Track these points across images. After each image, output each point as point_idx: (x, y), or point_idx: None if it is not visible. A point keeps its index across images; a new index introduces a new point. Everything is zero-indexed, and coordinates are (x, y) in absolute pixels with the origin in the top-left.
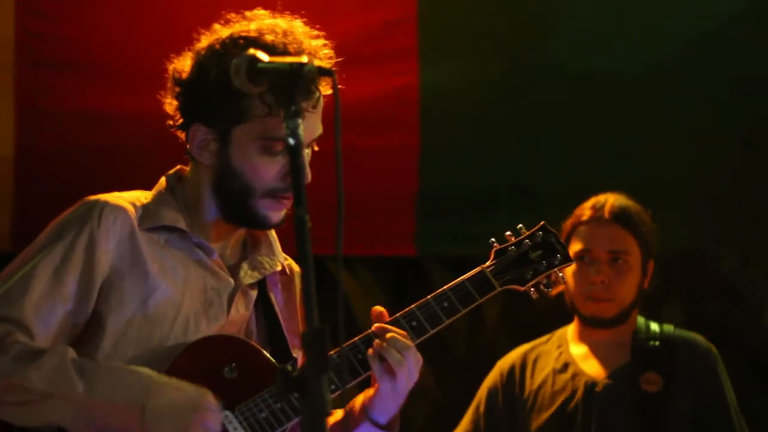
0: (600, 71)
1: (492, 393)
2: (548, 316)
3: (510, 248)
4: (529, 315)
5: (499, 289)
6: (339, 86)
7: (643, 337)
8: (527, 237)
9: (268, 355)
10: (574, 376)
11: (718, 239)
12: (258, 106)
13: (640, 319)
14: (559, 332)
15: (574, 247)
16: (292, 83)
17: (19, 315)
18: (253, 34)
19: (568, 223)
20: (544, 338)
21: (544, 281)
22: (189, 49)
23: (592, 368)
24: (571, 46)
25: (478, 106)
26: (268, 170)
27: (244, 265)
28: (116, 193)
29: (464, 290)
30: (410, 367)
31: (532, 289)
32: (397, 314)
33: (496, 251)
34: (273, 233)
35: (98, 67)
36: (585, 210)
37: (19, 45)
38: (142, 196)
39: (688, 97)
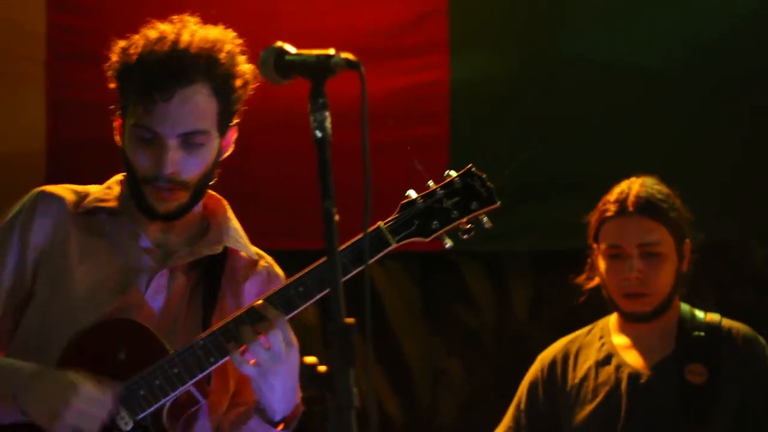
0: (626, 62)
1: (533, 388)
2: (579, 309)
3: (418, 200)
4: (560, 307)
5: (395, 244)
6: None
7: (688, 326)
8: (442, 186)
9: (158, 337)
10: (618, 367)
11: (747, 232)
12: (130, 95)
13: (685, 307)
14: (600, 323)
15: (604, 245)
16: (320, 75)
17: None
18: (135, 47)
19: (593, 219)
20: (585, 329)
21: (463, 228)
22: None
23: (636, 359)
24: (600, 36)
25: (508, 99)
26: (141, 157)
27: (184, 249)
28: (66, 185)
29: (357, 249)
30: (275, 347)
31: (447, 238)
32: (288, 280)
33: (402, 204)
34: (233, 222)
35: None
36: (609, 204)
37: (50, 39)
38: (92, 188)
39: (717, 87)
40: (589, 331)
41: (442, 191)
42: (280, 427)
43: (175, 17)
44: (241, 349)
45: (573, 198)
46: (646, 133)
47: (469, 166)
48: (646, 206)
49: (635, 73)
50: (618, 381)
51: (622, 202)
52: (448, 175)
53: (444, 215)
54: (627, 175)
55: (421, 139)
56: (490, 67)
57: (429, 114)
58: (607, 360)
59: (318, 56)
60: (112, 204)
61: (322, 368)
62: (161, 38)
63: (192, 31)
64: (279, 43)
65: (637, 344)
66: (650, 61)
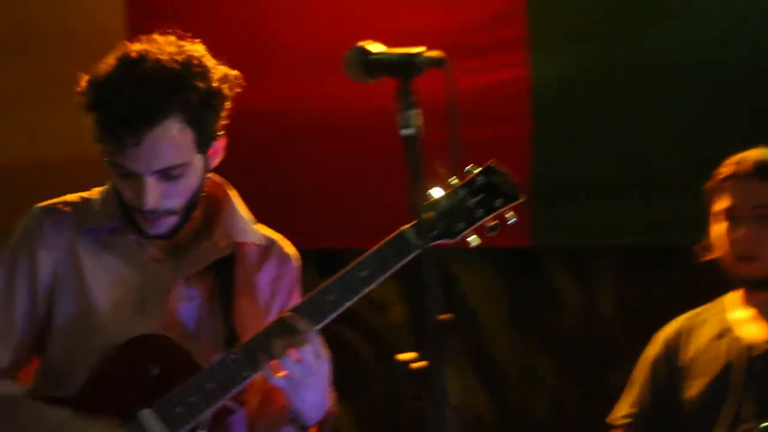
0: (709, 60)
1: (655, 365)
2: (664, 306)
3: (442, 200)
4: (645, 305)
5: (421, 248)
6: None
7: None
8: (464, 184)
9: (189, 352)
10: (733, 342)
11: None
12: (100, 132)
13: None
14: (722, 299)
15: (718, 206)
16: (406, 73)
17: None
18: (99, 83)
19: (711, 182)
20: (706, 306)
21: (488, 226)
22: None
23: (753, 333)
24: (682, 34)
25: (590, 95)
26: (124, 189)
27: (193, 253)
28: (65, 197)
29: (382, 255)
30: (306, 360)
31: (473, 237)
32: (314, 290)
33: (425, 206)
34: (239, 210)
35: None
36: (728, 165)
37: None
38: (96, 193)
39: None
40: (709, 308)
41: (465, 190)
42: (312, 430)
43: (143, 37)
44: (272, 362)
45: (660, 194)
46: (738, 128)
47: (490, 161)
48: (763, 169)
49: (723, 69)
50: (733, 355)
51: (741, 164)
52: (470, 172)
53: (469, 215)
54: (712, 168)
55: (504, 137)
56: (572, 64)
57: (510, 112)
58: (722, 334)
59: (404, 55)
60: (112, 223)
61: (418, 365)
62: (125, 71)
63: (158, 57)
64: (362, 43)
65: (755, 320)
66: (739, 58)
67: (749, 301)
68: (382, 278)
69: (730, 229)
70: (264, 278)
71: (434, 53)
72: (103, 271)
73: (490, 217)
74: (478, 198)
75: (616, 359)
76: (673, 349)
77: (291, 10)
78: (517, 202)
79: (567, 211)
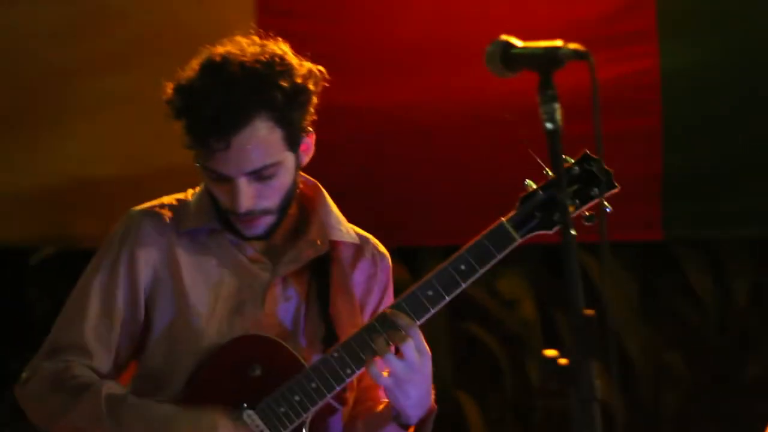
0: None
1: None
2: None
3: (538, 192)
4: None
5: (519, 240)
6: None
7: None
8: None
9: (292, 351)
10: None
11: None
12: (189, 137)
13: None
14: None
15: None
16: (547, 67)
17: (79, 340)
18: (185, 89)
19: None
20: None
21: (585, 215)
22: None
23: None
24: None
25: (720, 86)
26: (218, 193)
27: (289, 253)
28: (161, 199)
29: (481, 248)
30: (409, 357)
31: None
32: (413, 286)
33: (521, 198)
34: (333, 209)
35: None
36: None
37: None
38: (190, 193)
39: None
40: None
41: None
42: (411, 429)
43: (225, 40)
44: (375, 359)
45: None
46: None
47: (585, 151)
48: None
49: None
50: None
51: None
52: (565, 162)
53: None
54: None
55: (634, 130)
56: (702, 55)
57: (641, 104)
58: None
59: (546, 48)
60: (209, 224)
61: (563, 361)
62: (209, 75)
63: (242, 59)
64: (504, 37)
65: None
66: None
67: None
68: (481, 272)
69: None
70: (358, 276)
71: (576, 46)
72: (201, 273)
73: (587, 206)
74: (574, 188)
75: (753, 351)
76: None
77: (416, 6)
78: (613, 191)
79: (699, 204)
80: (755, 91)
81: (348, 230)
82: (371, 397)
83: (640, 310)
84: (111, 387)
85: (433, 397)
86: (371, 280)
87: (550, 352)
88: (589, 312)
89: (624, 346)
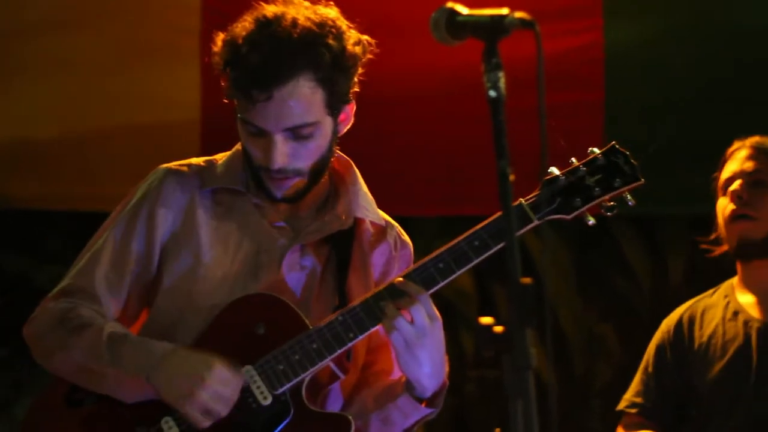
0: None
1: (660, 351)
2: (733, 273)
3: (561, 177)
4: (716, 273)
5: (536, 221)
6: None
7: None
8: (585, 163)
9: (298, 311)
10: (746, 323)
11: None
12: (233, 89)
13: None
14: (724, 284)
15: (719, 184)
16: (493, 35)
17: (89, 286)
18: (234, 39)
19: (718, 169)
20: (708, 292)
21: (606, 206)
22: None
23: (763, 313)
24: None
25: (664, 62)
26: (252, 148)
27: (313, 224)
28: (190, 160)
29: (497, 226)
30: (419, 321)
31: (589, 216)
32: (426, 258)
33: (544, 181)
34: (362, 188)
35: None
36: (731, 147)
37: (204, 9)
38: (220, 156)
39: None
40: (713, 292)
41: (584, 168)
42: (424, 404)
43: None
44: (379, 326)
45: None
46: None
47: (613, 143)
48: (762, 145)
49: None
50: (747, 336)
51: (742, 142)
52: (592, 152)
53: (586, 192)
54: None
55: (576, 103)
56: (646, 31)
57: (584, 78)
58: (734, 317)
59: (491, 16)
60: (236, 185)
61: (499, 328)
62: (260, 29)
63: (294, 16)
64: (450, 4)
65: (763, 300)
66: None
67: (749, 283)
68: (494, 249)
69: (727, 198)
70: (377, 258)
71: (522, 14)
72: (220, 234)
73: (608, 196)
74: (597, 177)
75: None
76: (682, 335)
77: None
78: (636, 184)
79: None
80: (697, 71)
81: (375, 211)
82: (381, 380)
83: (575, 283)
84: (114, 326)
85: (447, 370)
86: (389, 264)
87: (486, 320)
88: (526, 280)
89: (558, 318)
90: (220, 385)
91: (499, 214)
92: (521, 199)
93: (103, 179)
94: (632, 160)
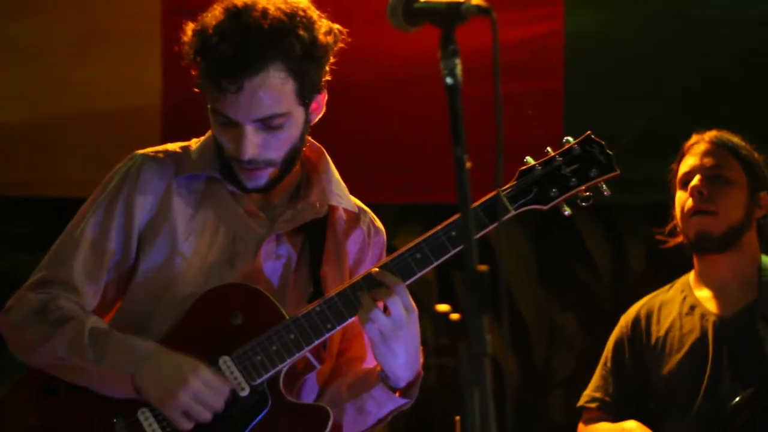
0: (747, 18)
1: (618, 346)
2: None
3: (537, 167)
4: (676, 263)
5: (513, 211)
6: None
7: None
8: (560, 153)
9: (274, 302)
10: (702, 316)
11: None
12: (204, 79)
13: (766, 259)
14: (681, 280)
15: (678, 177)
16: (450, 22)
17: (68, 276)
18: (204, 28)
19: (675, 162)
20: (665, 288)
21: (582, 196)
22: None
23: (719, 308)
24: None
25: (624, 52)
26: (223, 138)
27: (289, 212)
28: (166, 146)
29: (474, 216)
30: (395, 313)
31: (565, 206)
32: (402, 248)
33: (520, 171)
34: (335, 176)
35: None
36: (689, 141)
37: None
38: (194, 142)
39: None
40: (670, 288)
41: (560, 158)
42: (398, 394)
43: None
44: (356, 317)
45: None
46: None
47: (588, 133)
48: (720, 139)
49: (760, 30)
50: (704, 329)
51: (699, 135)
52: (567, 142)
53: (563, 183)
54: (751, 130)
55: (536, 92)
56: (606, 20)
57: (544, 66)
58: (690, 311)
59: (448, 3)
60: (210, 171)
61: (455, 316)
62: (230, 19)
63: (265, 6)
64: None
65: (719, 294)
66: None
67: (705, 278)
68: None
69: (686, 192)
70: (352, 246)
71: (480, 1)
72: (196, 222)
73: (584, 187)
74: (573, 167)
75: None
76: (639, 330)
77: None
78: (612, 174)
79: None
80: (658, 61)
81: (348, 198)
82: (354, 368)
83: (536, 271)
84: (95, 320)
85: (421, 360)
86: (363, 251)
87: (442, 307)
88: (482, 267)
89: (518, 307)
90: (204, 388)
91: (476, 203)
92: (498, 190)
93: (65, 165)
94: (608, 150)
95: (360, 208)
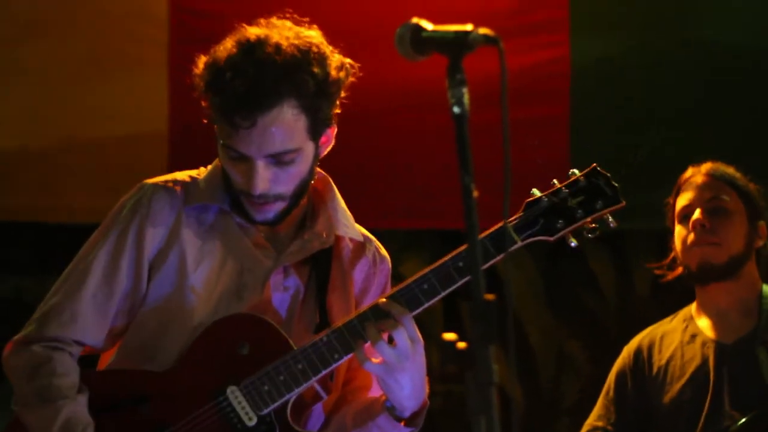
0: (752, 47)
1: (621, 377)
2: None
3: (543, 199)
4: (681, 292)
5: (520, 243)
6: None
7: None
8: (567, 185)
9: (282, 332)
10: (703, 344)
11: None
12: (215, 114)
13: (766, 288)
14: (682, 310)
15: (676, 211)
16: (457, 51)
17: (75, 306)
18: (216, 64)
19: (672, 195)
20: (667, 319)
21: (588, 227)
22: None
23: (720, 335)
24: (726, 18)
25: (630, 79)
26: (234, 172)
27: (295, 243)
28: (174, 175)
29: (482, 247)
30: (401, 344)
31: (571, 237)
32: (410, 279)
33: (527, 203)
34: (341, 204)
35: None
36: (685, 174)
37: (172, 22)
38: (201, 170)
39: None
40: (672, 319)
41: (566, 190)
42: (403, 423)
43: (262, 21)
44: (366, 345)
45: None
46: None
47: (594, 165)
48: (717, 171)
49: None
50: (705, 356)
51: (696, 168)
52: (573, 174)
53: (569, 214)
54: (756, 157)
55: (541, 118)
56: (612, 46)
57: (550, 93)
58: (692, 339)
59: (456, 32)
60: (219, 203)
61: (462, 345)
62: (244, 54)
63: (278, 41)
64: (415, 20)
65: (721, 323)
66: None
67: (706, 308)
68: (485, 265)
69: (686, 226)
70: (358, 275)
71: (487, 30)
72: (205, 253)
73: (590, 218)
74: (579, 199)
75: None
76: (641, 360)
77: None
78: (617, 206)
79: None
80: (663, 89)
81: (354, 227)
82: (360, 387)
83: (543, 298)
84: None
85: (427, 390)
86: (369, 279)
87: (449, 336)
88: (489, 297)
89: (526, 334)
90: None
91: (483, 234)
92: (505, 221)
93: (68, 191)
94: (613, 182)
95: (365, 237)
